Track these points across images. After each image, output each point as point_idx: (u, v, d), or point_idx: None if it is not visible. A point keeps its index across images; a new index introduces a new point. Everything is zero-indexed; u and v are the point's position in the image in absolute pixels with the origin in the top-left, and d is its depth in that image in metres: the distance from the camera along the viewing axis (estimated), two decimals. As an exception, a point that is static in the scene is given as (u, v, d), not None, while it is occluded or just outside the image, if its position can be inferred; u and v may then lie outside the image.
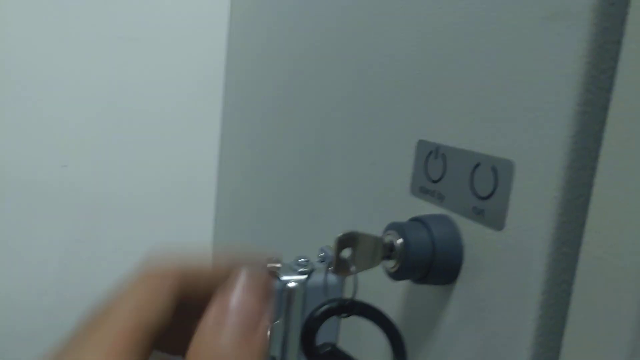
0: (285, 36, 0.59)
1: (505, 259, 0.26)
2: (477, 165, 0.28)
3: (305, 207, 0.52)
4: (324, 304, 0.28)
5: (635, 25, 0.20)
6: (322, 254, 0.44)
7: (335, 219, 0.45)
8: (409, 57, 0.35)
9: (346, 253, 0.28)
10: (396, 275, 0.29)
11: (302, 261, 0.40)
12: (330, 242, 0.28)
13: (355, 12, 0.42)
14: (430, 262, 0.29)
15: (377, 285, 0.36)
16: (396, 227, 0.29)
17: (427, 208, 0.32)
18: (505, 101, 0.26)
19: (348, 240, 0.28)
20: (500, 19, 0.27)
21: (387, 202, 0.37)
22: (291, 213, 0.56)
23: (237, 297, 0.23)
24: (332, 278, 0.41)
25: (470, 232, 0.28)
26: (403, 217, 0.35)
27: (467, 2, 0.29)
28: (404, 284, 0.34)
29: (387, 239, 0.29)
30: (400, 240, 0.29)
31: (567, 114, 0.23)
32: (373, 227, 0.38)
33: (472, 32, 0.29)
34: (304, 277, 0.39)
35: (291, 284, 0.39)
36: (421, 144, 0.33)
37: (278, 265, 0.27)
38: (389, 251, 0.29)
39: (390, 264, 0.29)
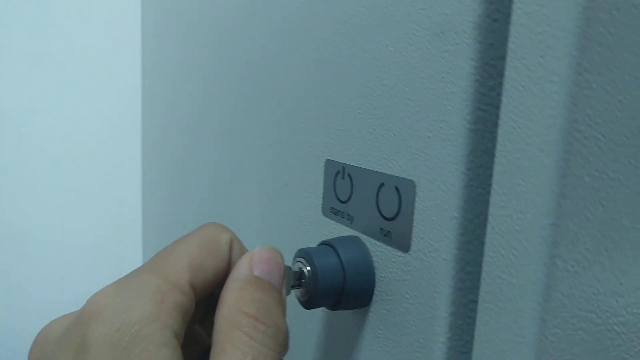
0: (194, 57, 0.57)
1: (413, 282, 0.25)
2: (381, 185, 0.27)
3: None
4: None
5: (516, 41, 0.20)
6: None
7: (253, 238, 0.44)
8: (308, 75, 0.34)
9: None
10: (307, 304, 0.28)
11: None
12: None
13: (253, 39, 0.41)
14: (342, 288, 0.28)
15: (292, 312, 0.34)
16: (304, 254, 0.28)
17: (338, 229, 0.31)
18: (401, 120, 0.26)
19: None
20: (391, 35, 0.26)
21: (301, 223, 0.36)
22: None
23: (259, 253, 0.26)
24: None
25: (380, 254, 0.28)
26: (316, 238, 0.34)
27: (357, 17, 0.29)
28: (320, 309, 0.33)
29: (296, 266, 0.28)
30: (308, 268, 0.28)
31: (460, 133, 0.22)
32: (290, 247, 0.37)
33: (366, 50, 0.28)
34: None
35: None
36: (329, 163, 0.32)
37: None
38: (299, 279, 0.28)
39: (301, 292, 0.28)
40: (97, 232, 0.84)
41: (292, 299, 0.29)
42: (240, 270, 0.25)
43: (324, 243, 0.29)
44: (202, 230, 0.26)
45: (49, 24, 0.78)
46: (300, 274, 0.28)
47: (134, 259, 0.86)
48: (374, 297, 0.28)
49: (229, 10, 0.47)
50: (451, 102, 0.23)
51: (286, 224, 0.38)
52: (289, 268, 0.28)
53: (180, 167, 0.65)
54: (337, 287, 0.27)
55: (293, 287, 0.28)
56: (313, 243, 0.34)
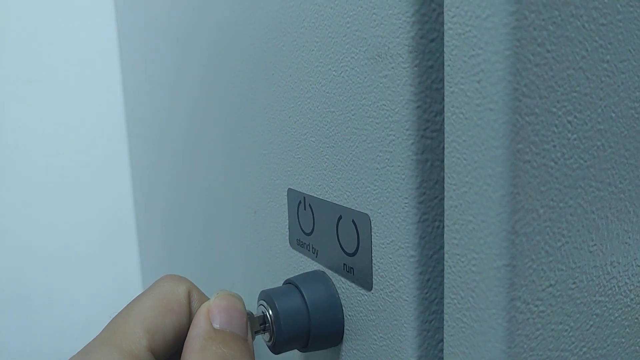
0: (159, 84, 0.56)
1: (379, 322, 0.24)
2: (340, 218, 0.26)
3: (207, 256, 0.49)
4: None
5: (451, 64, 0.18)
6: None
7: (230, 269, 0.42)
8: (261, 95, 0.32)
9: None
10: (274, 349, 0.26)
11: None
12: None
13: (210, 71, 0.39)
14: (308, 330, 0.26)
15: (265, 353, 0.33)
16: (265, 297, 0.26)
17: (305, 262, 0.30)
18: (350, 150, 0.24)
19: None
20: (332, 58, 0.24)
21: (270, 255, 0.34)
22: (199, 262, 0.53)
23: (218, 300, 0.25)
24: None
25: (346, 291, 0.26)
26: (285, 272, 0.32)
27: (301, 39, 0.27)
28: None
29: (259, 310, 0.27)
30: (270, 312, 0.26)
31: (406, 164, 0.21)
32: (262, 281, 0.36)
33: (311, 73, 0.26)
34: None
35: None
36: (290, 193, 0.30)
37: None
38: (263, 324, 0.26)
39: (266, 337, 0.26)
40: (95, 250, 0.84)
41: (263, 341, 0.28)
42: (199, 325, 0.24)
43: (288, 282, 0.27)
44: (156, 287, 0.25)
45: (34, 50, 0.78)
46: (263, 318, 0.26)
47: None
48: (345, 335, 0.27)
49: (192, 40, 0.46)
50: (394, 132, 0.21)
51: (258, 254, 0.36)
52: (251, 313, 0.26)
53: (173, 192, 0.64)
54: (302, 329, 0.26)
55: (257, 332, 0.26)
56: (283, 276, 0.33)
